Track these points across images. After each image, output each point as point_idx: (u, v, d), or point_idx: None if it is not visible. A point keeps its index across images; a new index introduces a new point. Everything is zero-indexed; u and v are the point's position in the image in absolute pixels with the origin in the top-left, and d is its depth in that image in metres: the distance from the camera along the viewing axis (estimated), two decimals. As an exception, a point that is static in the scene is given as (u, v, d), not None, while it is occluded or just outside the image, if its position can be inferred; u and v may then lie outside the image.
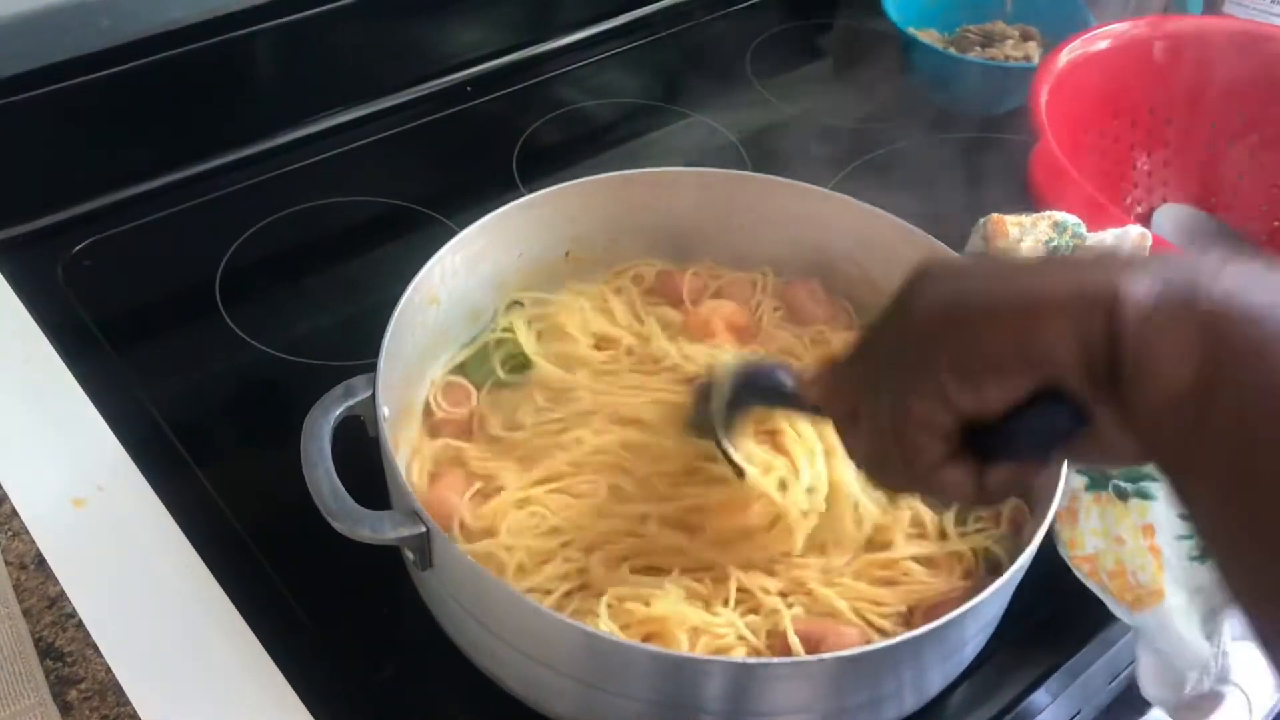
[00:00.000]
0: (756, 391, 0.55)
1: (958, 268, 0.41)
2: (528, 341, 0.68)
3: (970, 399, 0.38)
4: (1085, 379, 0.36)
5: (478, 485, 0.61)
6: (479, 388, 0.67)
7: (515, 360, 0.68)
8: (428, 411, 0.66)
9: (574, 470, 0.61)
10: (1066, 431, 0.37)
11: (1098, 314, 0.35)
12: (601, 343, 0.69)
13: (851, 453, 0.46)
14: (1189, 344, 0.33)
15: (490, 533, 0.59)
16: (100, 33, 0.82)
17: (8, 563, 0.61)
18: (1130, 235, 0.63)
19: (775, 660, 0.52)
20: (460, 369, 0.69)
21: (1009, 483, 0.41)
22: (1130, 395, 0.35)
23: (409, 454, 0.64)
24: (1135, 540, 0.59)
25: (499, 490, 0.60)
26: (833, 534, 0.58)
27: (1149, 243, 0.64)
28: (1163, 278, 0.34)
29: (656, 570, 0.58)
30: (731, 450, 0.57)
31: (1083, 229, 0.64)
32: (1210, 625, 0.57)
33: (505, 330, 0.69)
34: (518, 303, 0.71)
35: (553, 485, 0.60)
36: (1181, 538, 0.58)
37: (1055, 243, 0.63)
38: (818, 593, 0.56)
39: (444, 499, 0.60)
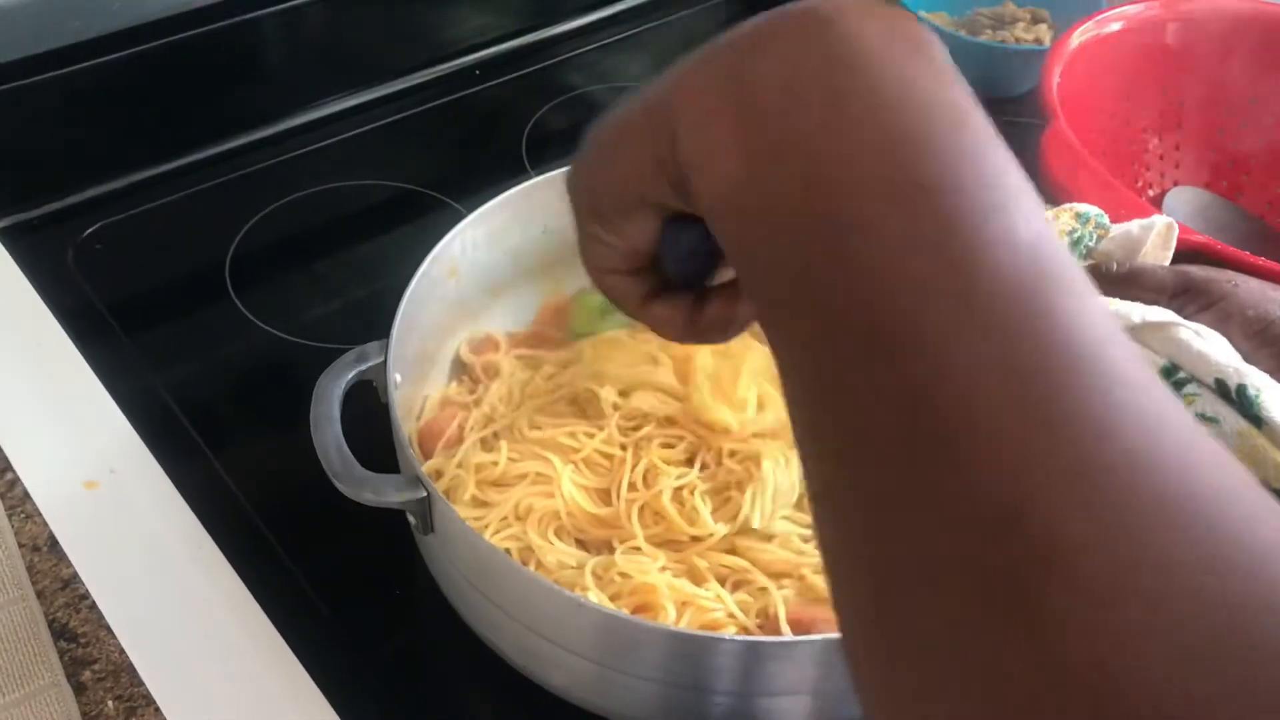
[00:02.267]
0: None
1: (599, 125, 0.38)
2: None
3: (620, 238, 0.38)
4: (675, 195, 0.34)
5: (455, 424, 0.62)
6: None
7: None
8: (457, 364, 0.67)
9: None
10: (710, 249, 0.35)
11: (662, 129, 0.33)
12: None
13: None
14: (729, 135, 0.30)
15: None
16: (109, 16, 0.81)
17: (21, 545, 0.61)
18: (1157, 225, 0.62)
19: (799, 639, 0.51)
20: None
21: (720, 314, 0.40)
22: (696, 202, 0.32)
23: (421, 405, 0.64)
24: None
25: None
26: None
27: (1175, 233, 0.63)
28: (710, 67, 0.31)
29: (585, 544, 0.57)
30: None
31: (1105, 219, 0.63)
32: None
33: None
34: None
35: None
36: None
37: (1078, 233, 0.62)
38: (809, 579, 0.55)
39: (434, 430, 0.61)
